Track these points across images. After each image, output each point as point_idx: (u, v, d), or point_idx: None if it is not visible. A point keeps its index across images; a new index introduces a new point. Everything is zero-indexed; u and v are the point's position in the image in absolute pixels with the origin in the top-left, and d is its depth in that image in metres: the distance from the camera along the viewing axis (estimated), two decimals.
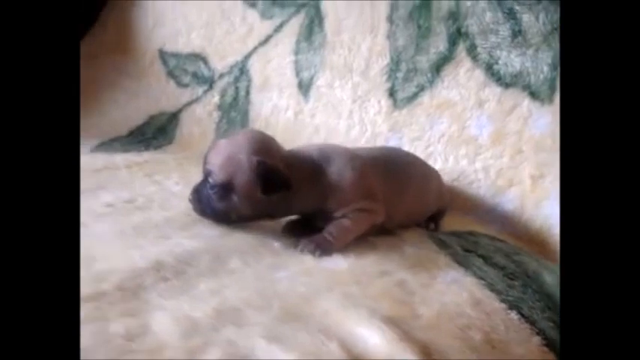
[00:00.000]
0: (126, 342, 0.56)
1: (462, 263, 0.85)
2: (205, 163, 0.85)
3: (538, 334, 0.72)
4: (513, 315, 0.74)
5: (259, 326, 0.61)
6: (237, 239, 0.84)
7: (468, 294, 0.75)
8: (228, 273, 0.74)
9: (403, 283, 0.75)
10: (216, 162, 0.83)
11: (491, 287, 0.79)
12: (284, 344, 0.57)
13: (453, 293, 0.75)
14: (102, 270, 0.70)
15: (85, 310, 0.60)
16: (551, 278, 0.87)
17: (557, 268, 0.91)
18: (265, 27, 1.50)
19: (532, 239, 1.05)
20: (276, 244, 0.85)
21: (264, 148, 0.83)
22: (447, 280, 0.78)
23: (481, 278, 0.81)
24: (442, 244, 0.91)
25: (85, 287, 0.65)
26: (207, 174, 0.84)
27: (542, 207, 1.06)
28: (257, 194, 0.81)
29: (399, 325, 0.63)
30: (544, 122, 1.09)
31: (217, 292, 0.68)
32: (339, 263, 0.80)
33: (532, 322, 0.74)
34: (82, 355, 0.52)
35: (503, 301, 0.76)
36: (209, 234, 0.85)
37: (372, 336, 0.60)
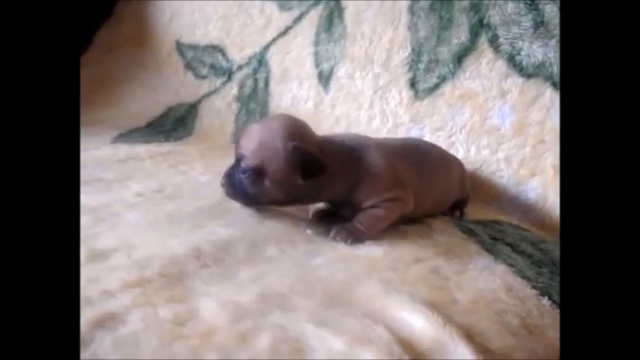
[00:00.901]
0: (176, 326, 0.58)
1: (491, 251, 0.86)
2: (238, 147, 0.87)
3: None
4: (545, 301, 0.75)
5: (305, 311, 0.62)
6: (271, 227, 0.86)
7: (501, 280, 0.77)
8: (266, 260, 0.76)
9: (438, 269, 0.77)
10: (249, 147, 0.84)
11: (522, 274, 0.80)
12: (332, 328, 0.58)
13: (486, 280, 0.76)
14: (143, 257, 0.72)
15: (131, 296, 0.62)
16: None
17: None
18: (284, 19, 1.51)
19: (555, 228, 1.06)
20: (309, 232, 0.86)
21: (299, 133, 0.84)
22: (479, 267, 0.80)
23: (511, 265, 0.82)
24: (470, 232, 0.93)
25: (128, 274, 0.67)
26: (239, 158, 0.85)
27: None
28: (290, 179, 0.82)
29: (440, 310, 0.65)
30: None
31: (259, 278, 0.70)
32: (374, 250, 0.82)
33: None
34: (131, 339, 0.54)
35: (534, 287, 0.78)
36: (242, 222, 0.87)
37: (416, 320, 0.61)
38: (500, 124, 1.16)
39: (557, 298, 0.77)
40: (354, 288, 0.68)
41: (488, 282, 0.76)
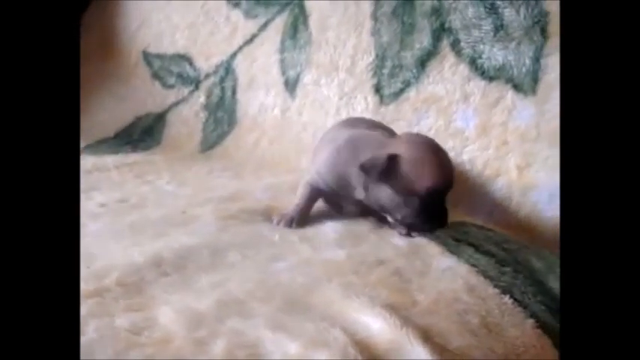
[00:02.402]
0: (132, 335, 0.58)
1: (455, 252, 0.86)
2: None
3: (531, 316, 0.74)
4: (507, 299, 0.75)
5: (263, 317, 0.62)
6: (235, 234, 0.86)
7: (463, 281, 0.77)
8: (228, 266, 0.76)
9: (400, 271, 0.77)
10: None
11: (484, 274, 0.81)
12: (289, 333, 0.58)
13: (448, 280, 0.77)
14: (102, 267, 0.72)
15: (88, 306, 0.62)
16: (541, 264, 0.89)
17: (545, 254, 0.94)
18: (250, 26, 1.51)
19: (520, 227, 1.06)
20: (276, 236, 0.87)
21: None
22: (442, 268, 0.80)
23: (474, 265, 0.83)
24: (433, 234, 0.93)
25: (87, 284, 0.66)
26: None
27: (529, 195, 1.08)
28: None
29: (399, 312, 0.65)
30: (528, 114, 1.11)
31: (219, 285, 0.69)
32: (336, 254, 0.82)
33: (525, 306, 0.76)
34: (86, 349, 0.53)
35: (496, 286, 0.78)
36: (206, 230, 0.87)
37: (374, 322, 0.61)
38: (464, 126, 1.17)
39: (519, 296, 0.78)
40: (314, 292, 0.69)
41: (450, 282, 0.76)
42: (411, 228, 0.90)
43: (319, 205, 1.03)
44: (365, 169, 0.87)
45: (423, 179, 0.85)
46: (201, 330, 0.59)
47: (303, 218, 0.94)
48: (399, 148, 0.88)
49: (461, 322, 0.67)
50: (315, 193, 0.97)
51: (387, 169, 0.85)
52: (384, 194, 0.88)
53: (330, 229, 0.92)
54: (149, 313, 0.62)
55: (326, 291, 0.69)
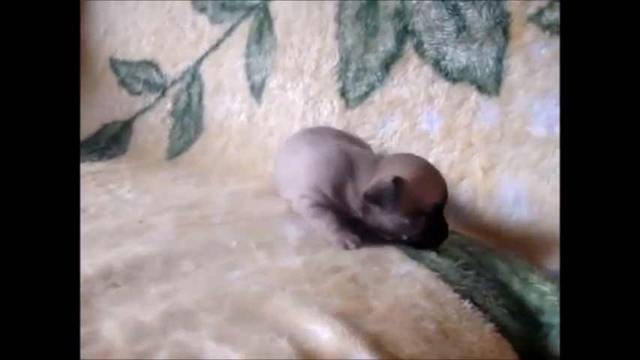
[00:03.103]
0: None
1: (415, 256, 0.85)
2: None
3: (491, 320, 0.73)
4: (466, 304, 0.74)
5: (209, 328, 0.61)
6: (192, 242, 0.85)
7: (422, 286, 0.76)
8: (180, 276, 0.74)
9: (356, 277, 0.76)
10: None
11: (445, 278, 0.80)
12: (233, 344, 0.57)
13: (406, 286, 0.75)
14: None
15: None
16: (505, 267, 0.88)
17: (510, 257, 0.93)
18: (215, 32, 1.49)
19: (486, 229, 1.06)
20: (234, 244, 0.85)
21: None
22: (401, 273, 0.79)
23: (434, 270, 0.81)
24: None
25: None
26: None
27: (495, 197, 1.07)
28: None
29: (351, 320, 0.63)
30: (492, 114, 1.10)
31: (168, 295, 0.68)
32: (293, 261, 0.80)
33: (485, 310, 0.75)
34: None
35: (456, 291, 0.77)
36: (162, 239, 0.85)
37: (323, 331, 0.60)
38: (429, 129, 1.16)
39: (480, 300, 0.77)
40: (266, 301, 0.67)
41: (408, 288, 0.75)
42: (417, 246, 0.88)
43: (279, 208, 1.01)
44: (372, 197, 0.86)
45: (430, 197, 0.86)
46: (144, 342, 0.57)
47: (349, 232, 0.90)
48: (395, 170, 0.86)
49: (416, 329, 0.65)
50: (325, 209, 0.92)
51: (396, 194, 0.84)
52: (387, 219, 0.86)
53: (291, 235, 0.91)
54: (93, 327, 0.60)
55: (278, 300, 0.67)
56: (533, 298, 0.83)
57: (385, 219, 0.87)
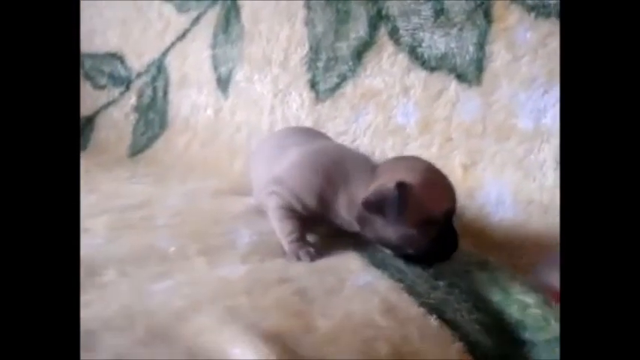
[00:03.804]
0: None
1: (379, 265, 0.75)
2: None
3: (461, 339, 0.63)
4: (432, 320, 0.64)
5: (113, 351, 0.50)
6: (122, 247, 0.76)
7: (381, 299, 0.65)
8: (98, 287, 0.64)
9: (305, 290, 0.65)
10: None
11: (410, 290, 0.69)
12: None
13: (362, 299, 0.65)
14: None
15: None
16: (483, 275, 0.78)
17: (489, 263, 0.82)
18: (182, 21, 1.40)
19: (465, 232, 0.95)
20: (172, 249, 0.75)
21: None
22: (358, 284, 0.69)
23: (399, 280, 0.71)
24: (360, 246, 0.81)
25: None
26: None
27: (476, 196, 0.98)
28: None
29: (285, 341, 0.53)
30: (473, 106, 1.01)
31: None
32: (235, 270, 0.70)
33: (455, 327, 0.65)
34: None
35: (422, 304, 0.66)
36: (91, 243, 0.75)
37: (244, 355, 0.49)
38: (405, 122, 1.07)
39: (450, 315, 0.67)
40: (187, 319, 0.56)
41: (364, 302, 0.64)
42: (425, 261, 0.76)
43: (237, 209, 0.92)
44: (372, 206, 0.74)
45: (439, 203, 0.75)
46: None
47: (310, 244, 0.80)
48: (397, 175, 0.75)
49: (365, 352, 0.55)
50: (293, 214, 0.82)
51: (402, 202, 0.72)
52: (391, 230, 0.74)
53: (241, 240, 0.81)
54: None
55: (203, 317, 0.57)
56: (513, 311, 0.72)
57: (388, 231, 0.75)
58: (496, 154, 0.99)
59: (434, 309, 0.66)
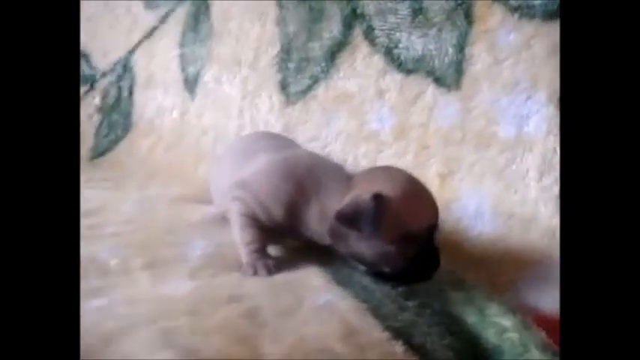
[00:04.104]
0: None
1: (343, 282, 0.68)
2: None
3: None
4: (398, 347, 0.57)
5: None
6: None
7: (340, 322, 0.58)
8: None
9: (256, 310, 0.58)
10: None
11: (375, 312, 0.63)
12: None
13: (319, 322, 0.58)
14: None
15: None
16: (458, 295, 0.71)
17: (465, 281, 0.77)
18: (150, 18, 1.33)
19: (441, 246, 0.89)
20: (113, 262, 0.68)
21: None
22: (318, 304, 0.62)
23: (364, 301, 0.64)
24: (325, 260, 0.74)
25: None
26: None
27: (452, 209, 0.92)
28: None
29: None
30: (451, 111, 0.95)
31: None
32: (182, 287, 0.63)
33: (423, 354, 0.58)
34: None
35: (387, 328, 0.60)
36: None
37: None
38: (379, 128, 1.01)
39: (419, 339, 0.60)
40: (115, 343, 0.49)
41: (322, 325, 0.57)
42: (404, 280, 0.69)
43: (195, 218, 0.85)
44: (346, 219, 0.67)
45: (419, 218, 0.68)
46: None
47: (269, 257, 0.73)
48: (375, 186, 0.68)
49: None
50: (255, 224, 0.75)
51: (378, 215, 0.66)
52: (366, 246, 0.68)
53: (194, 252, 0.74)
54: None
55: (131, 341, 0.49)
56: (490, 336, 0.66)
57: (363, 246, 0.68)
58: (475, 163, 0.93)
59: (400, 333, 0.59)
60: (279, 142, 0.90)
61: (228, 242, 0.76)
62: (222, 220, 0.86)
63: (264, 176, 0.77)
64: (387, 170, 0.75)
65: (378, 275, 0.70)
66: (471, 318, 0.67)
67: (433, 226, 0.70)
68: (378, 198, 0.66)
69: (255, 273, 0.69)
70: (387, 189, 0.67)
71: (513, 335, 0.64)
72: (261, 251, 0.73)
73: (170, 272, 0.67)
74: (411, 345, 0.58)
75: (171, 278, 0.65)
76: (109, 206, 0.91)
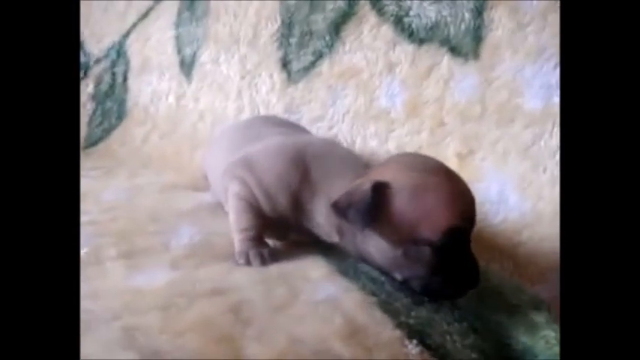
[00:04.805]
0: None
1: (348, 273, 0.59)
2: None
3: None
4: (411, 347, 0.48)
5: None
6: None
7: (344, 319, 0.50)
8: None
9: (241, 306, 0.50)
10: None
11: (386, 306, 0.54)
12: None
13: (319, 318, 0.49)
14: None
15: None
16: (482, 287, 0.61)
17: (491, 272, 0.68)
18: None
19: None
20: (85, 250, 0.61)
21: None
22: (316, 298, 0.53)
23: (372, 294, 0.55)
24: (329, 250, 0.65)
25: None
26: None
27: (474, 192, 0.83)
28: None
29: None
30: (469, 84, 0.87)
31: None
32: (160, 278, 0.55)
33: (442, 355, 0.49)
34: None
35: (400, 325, 0.51)
36: None
37: None
38: (389, 105, 0.94)
39: (437, 339, 0.52)
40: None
41: (321, 322, 0.49)
42: (425, 293, 0.58)
43: (186, 205, 0.77)
44: (340, 209, 0.58)
45: (434, 218, 0.56)
46: None
47: (266, 246, 0.65)
48: (387, 173, 0.58)
49: None
50: (254, 210, 0.66)
51: (374, 207, 0.56)
52: (372, 245, 0.58)
53: (180, 241, 0.66)
54: None
55: (89, 341, 0.41)
56: (520, 333, 0.56)
57: (370, 247, 0.59)
58: (498, 140, 0.85)
59: (415, 331, 0.51)
60: (290, 127, 0.85)
61: (221, 231, 0.68)
62: (219, 207, 0.78)
63: (271, 158, 0.68)
64: (412, 158, 0.65)
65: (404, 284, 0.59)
66: (498, 315, 0.58)
67: (460, 233, 0.57)
68: (378, 187, 0.56)
69: (248, 262, 0.60)
70: (400, 179, 0.57)
71: (548, 333, 0.55)
72: (256, 240, 0.64)
73: (148, 262, 0.59)
74: (427, 345, 0.49)
75: (149, 269, 0.57)
76: (90, 194, 0.83)
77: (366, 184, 0.57)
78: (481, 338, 0.54)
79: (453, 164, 0.84)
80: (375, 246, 0.58)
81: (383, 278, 0.59)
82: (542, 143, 0.82)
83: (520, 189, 0.82)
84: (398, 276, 0.58)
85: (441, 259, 0.56)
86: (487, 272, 0.66)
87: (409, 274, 0.57)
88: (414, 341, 0.49)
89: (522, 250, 0.79)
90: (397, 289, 0.57)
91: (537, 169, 0.81)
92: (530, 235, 0.79)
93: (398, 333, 0.49)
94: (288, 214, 0.65)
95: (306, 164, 0.65)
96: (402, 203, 0.56)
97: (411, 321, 0.52)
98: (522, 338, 0.56)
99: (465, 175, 0.82)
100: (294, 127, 0.89)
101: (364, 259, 0.62)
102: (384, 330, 0.49)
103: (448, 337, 0.52)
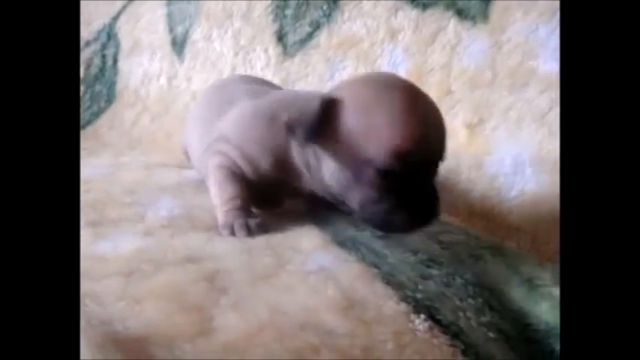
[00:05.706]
0: None
1: (345, 244, 0.53)
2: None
3: (464, 352, 0.40)
4: (418, 322, 0.41)
5: None
6: None
7: (339, 290, 0.43)
8: None
9: (217, 274, 0.43)
10: None
11: (389, 278, 0.47)
12: None
13: (307, 289, 0.42)
14: None
15: None
16: (497, 262, 0.55)
17: (507, 248, 0.61)
18: None
19: (473, 210, 0.77)
20: None
21: None
22: (307, 269, 0.46)
23: (374, 266, 0.49)
24: (326, 221, 0.59)
25: None
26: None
27: (485, 164, 0.78)
28: None
29: (149, 350, 0.30)
30: (478, 48, 0.82)
31: None
32: (127, 244, 0.50)
33: (454, 334, 0.42)
34: None
35: (405, 299, 0.44)
36: None
37: None
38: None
39: (449, 316, 0.45)
40: None
41: (312, 293, 0.42)
42: (372, 223, 0.54)
43: (169, 180, 0.72)
44: (290, 126, 0.53)
45: (389, 140, 0.50)
46: None
47: (253, 215, 0.58)
48: (343, 90, 0.54)
49: None
50: (238, 178, 0.61)
51: (324, 124, 0.52)
52: (326, 168, 0.54)
53: (157, 213, 0.61)
54: None
55: None
56: (542, 311, 0.49)
57: (323, 169, 0.55)
58: (511, 107, 0.80)
59: (423, 306, 0.44)
60: (256, 85, 0.77)
61: (205, 206, 0.62)
62: (203, 184, 0.72)
63: (246, 125, 0.63)
64: (376, 75, 0.63)
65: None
66: (515, 290, 0.51)
67: (413, 157, 0.51)
68: (327, 103, 0.52)
69: (232, 233, 0.54)
70: (352, 95, 0.53)
71: None
72: (242, 209, 0.58)
73: (116, 231, 0.53)
74: (436, 321, 0.42)
75: (116, 236, 0.51)
76: None
77: (316, 99, 0.52)
78: (498, 316, 0.47)
79: (462, 135, 0.80)
80: (328, 170, 0.54)
81: (386, 251, 0.52)
82: (559, 109, 0.75)
83: (536, 159, 0.76)
84: (353, 203, 0.54)
85: (390, 185, 0.51)
86: (501, 246, 0.60)
87: (359, 199, 0.52)
88: (422, 316, 0.42)
89: (540, 226, 0.72)
90: (401, 261, 0.51)
91: (555, 137, 0.76)
92: (550, 210, 0.73)
93: (403, 307, 0.43)
94: (274, 175, 0.60)
95: (280, 119, 0.59)
96: (349, 119, 0.51)
97: (419, 295, 0.45)
98: (544, 316, 0.48)
99: (475, 146, 0.77)
100: (268, 85, 0.83)
101: (324, 190, 0.57)
102: (387, 303, 0.43)
103: (461, 314, 0.45)
